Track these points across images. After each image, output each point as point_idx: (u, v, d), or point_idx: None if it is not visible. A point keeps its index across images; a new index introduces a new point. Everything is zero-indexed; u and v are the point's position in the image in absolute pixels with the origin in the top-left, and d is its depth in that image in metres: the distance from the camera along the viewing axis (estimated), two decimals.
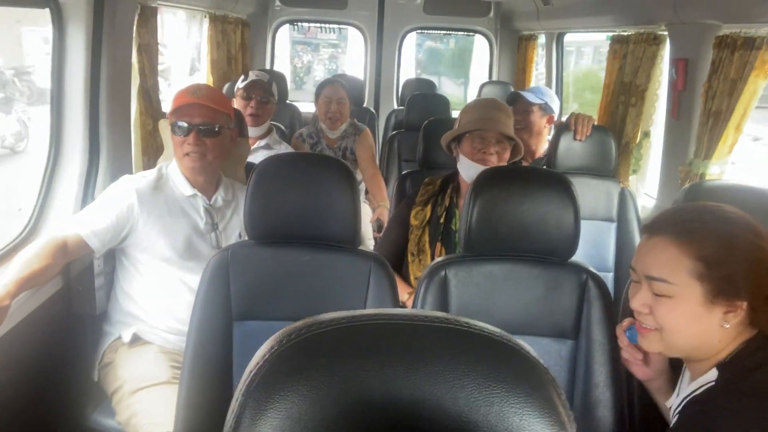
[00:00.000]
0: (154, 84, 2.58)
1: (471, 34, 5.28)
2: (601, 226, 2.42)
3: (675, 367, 1.20)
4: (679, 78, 2.38)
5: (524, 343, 0.48)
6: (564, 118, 2.66)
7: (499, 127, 1.93)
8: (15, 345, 1.62)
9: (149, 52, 2.52)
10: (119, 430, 1.67)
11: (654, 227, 1.04)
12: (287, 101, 4.10)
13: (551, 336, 1.45)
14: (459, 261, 1.48)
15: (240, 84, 2.80)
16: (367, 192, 3.30)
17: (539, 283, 1.45)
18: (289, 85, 4.61)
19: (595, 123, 2.49)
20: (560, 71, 4.13)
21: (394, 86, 4.97)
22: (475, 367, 0.45)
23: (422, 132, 2.67)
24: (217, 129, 1.80)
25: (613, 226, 2.43)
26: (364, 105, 4.63)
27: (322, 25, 5.35)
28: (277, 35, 4.95)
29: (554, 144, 2.47)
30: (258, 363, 0.45)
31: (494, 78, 4.99)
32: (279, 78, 3.85)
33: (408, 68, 7.15)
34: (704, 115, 2.23)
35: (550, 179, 1.48)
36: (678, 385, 1.14)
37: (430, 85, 4.70)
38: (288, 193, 1.46)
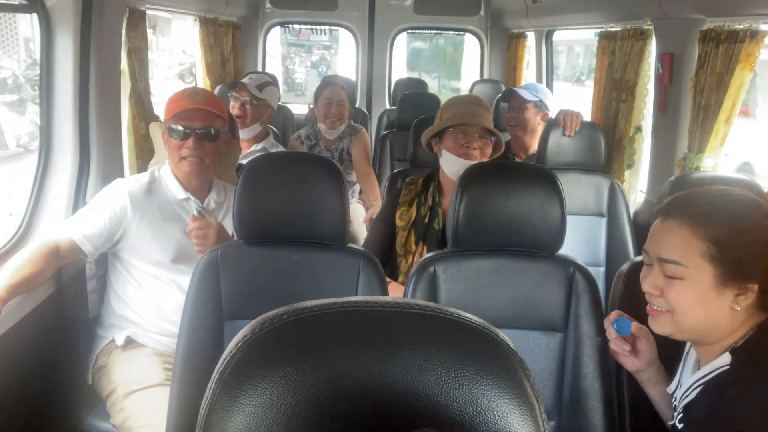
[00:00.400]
0: (146, 87, 2.59)
1: (462, 33, 5.30)
2: (592, 221, 2.44)
3: (665, 357, 1.21)
4: (665, 72, 2.39)
5: (494, 327, 0.49)
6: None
7: (481, 121, 1.93)
8: (8, 350, 1.62)
9: (139, 55, 2.53)
10: None
11: (667, 211, 1.04)
12: (279, 103, 4.10)
13: (540, 329, 1.46)
14: (447, 256, 1.49)
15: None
16: (361, 192, 3.31)
17: (527, 276, 1.46)
18: (281, 87, 4.60)
19: (583, 119, 2.51)
20: (550, 68, 4.15)
21: (386, 86, 4.98)
22: (444, 349, 0.45)
23: (413, 131, 2.68)
24: (215, 133, 1.81)
25: (604, 220, 2.44)
26: (357, 105, 4.64)
27: (313, 26, 5.35)
28: (269, 37, 4.96)
29: (543, 140, 2.49)
30: (231, 351, 0.46)
31: (485, 76, 5.01)
32: (274, 80, 3.85)
33: (400, 68, 7.16)
34: (695, 109, 2.25)
35: (535, 174, 1.49)
36: (678, 373, 1.14)
37: (422, 84, 4.72)
38: (276, 193, 1.47)
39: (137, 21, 2.51)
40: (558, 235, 1.45)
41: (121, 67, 2.35)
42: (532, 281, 1.46)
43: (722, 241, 0.96)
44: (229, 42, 4.06)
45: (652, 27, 2.53)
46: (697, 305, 1.00)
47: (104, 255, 1.81)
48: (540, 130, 2.79)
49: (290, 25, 5.23)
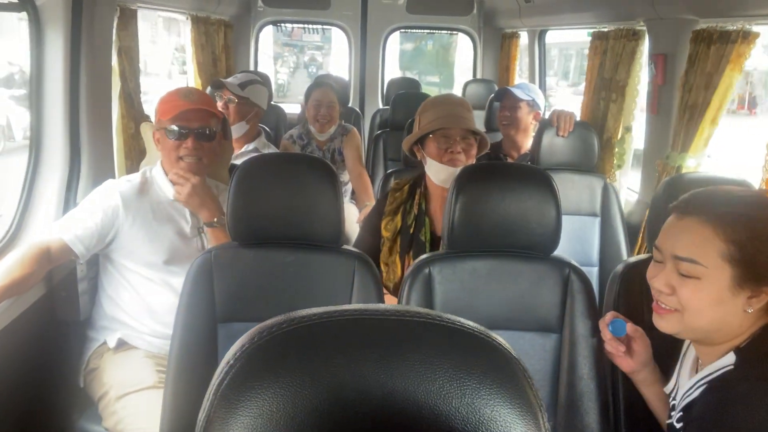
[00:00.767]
0: (136, 87, 2.57)
1: (455, 32, 5.30)
2: (585, 221, 2.44)
3: (660, 356, 1.21)
4: (659, 73, 2.41)
5: (496, 335, 0.48)
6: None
7: (461, 123, 1.85)
8: None
9: (130, 54, 2.50)
10: None
11: (686, 208, 1.02)
12: (272, 102, 4.09)
13: (535, 330, 1.46)
14: (443, 258, 1.48)
15: None
16: (354, 192, 3.30)
17: (522, 278, 1.46)
18: (274, 86, 4.59)
19: (577, 119, 2.52)
20: (543, 68, 4.16)
21: (379, 86, 4.97)
22: (446, 359, 0.45)
23: (405, 131, 2.68)
24: (212, 132, 1.81)
25: (597, 221, 2.45)
26: (349, 105, 4.63)
27: (306, 26, 5.33)
28: (262, 36, 4.93)
29: (537, 140, 2.49)
30: (229, 361, 0.45)
31: (478, 76, 5.01)
32: (264, 79, 3.84)
33: (393, 67, 7.15)
34: (681, 108, 2.26)
35: (531, 175, 1.49)
36: (676, 374, 1.14)
37: (415, 83, 4.71)
38: (270, 194, 1.45)
39: (128, 20, 2.48)
40: (553, 236, 1.45)
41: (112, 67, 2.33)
42: (527, 282, 1.46)
43: (743, 242, 0.95)
44: (221, 41, 4.03)
45: (644, 28, 2.54)
46: (711, 306, 0.98)
47: (95, 256, 1.79)
48: (532, 129, 2.80)
49: (282, 25, 5.20)
